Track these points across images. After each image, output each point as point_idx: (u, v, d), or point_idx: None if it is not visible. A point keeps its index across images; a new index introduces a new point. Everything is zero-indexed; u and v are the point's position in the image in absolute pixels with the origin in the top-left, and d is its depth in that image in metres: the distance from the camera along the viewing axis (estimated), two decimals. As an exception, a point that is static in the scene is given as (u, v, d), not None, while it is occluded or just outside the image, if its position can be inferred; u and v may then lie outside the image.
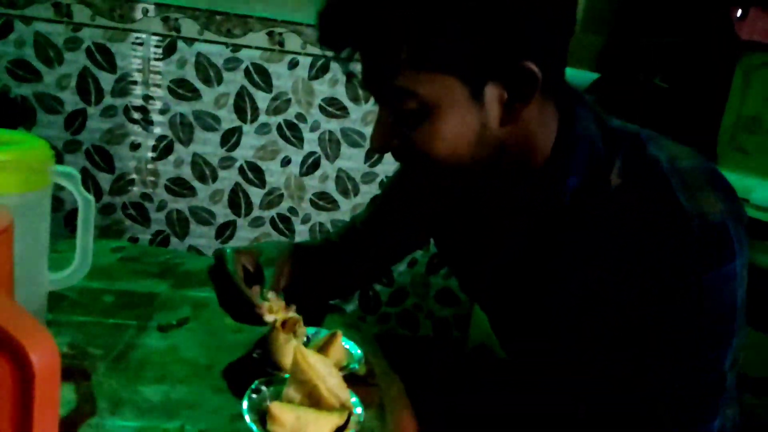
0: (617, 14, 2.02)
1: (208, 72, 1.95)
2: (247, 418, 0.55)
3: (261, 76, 1.98)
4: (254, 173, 2.06)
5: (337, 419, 0.56)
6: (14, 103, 1.89)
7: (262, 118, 2.01)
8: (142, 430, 0.58)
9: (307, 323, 0.69)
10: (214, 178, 2.05)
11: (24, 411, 0.36)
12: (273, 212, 2.11)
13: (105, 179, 2.01)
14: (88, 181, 2.00)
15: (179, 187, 2.04)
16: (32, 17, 1.84)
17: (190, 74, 1.95)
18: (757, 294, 0.66)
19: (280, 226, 2.13)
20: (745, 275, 0.59)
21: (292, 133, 2.04)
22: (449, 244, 0.83)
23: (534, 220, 0.66)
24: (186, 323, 0.80)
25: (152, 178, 2.03)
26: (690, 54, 1.73)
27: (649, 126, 0.66)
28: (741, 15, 1.68)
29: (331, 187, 2.11)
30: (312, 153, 2.07)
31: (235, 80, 1.97)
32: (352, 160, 2.09)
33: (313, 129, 2.04)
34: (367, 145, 2.08)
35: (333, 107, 2.03)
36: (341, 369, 0.67)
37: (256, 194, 2.08)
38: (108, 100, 1.94)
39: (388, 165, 2.10)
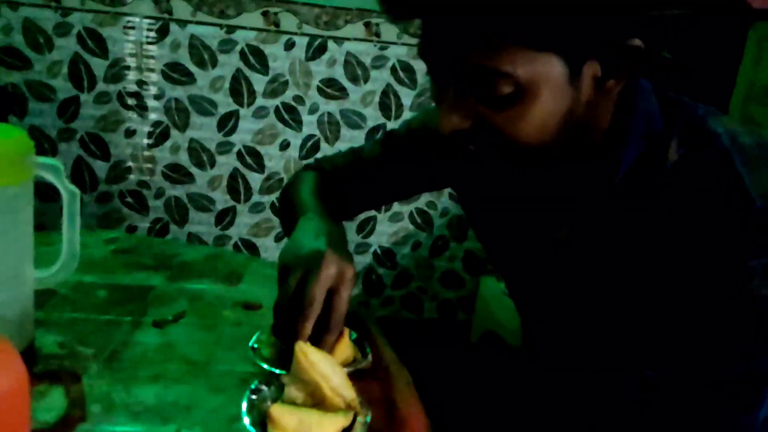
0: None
1: (202, 55, 1.90)
2: (246, 420, 0.52)
3: (257, 58, 1.92)
4: (253, 158, 2.02)
5: (342, 420, 0.53)
6: (4, 91, 1.85)
7: (260, 101, 1.96)
8: (136, 436, 0.55)
9: None
10: (212, 164, 2.01)
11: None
12: (273, 197, 2.07)
13: (101, 167, 1.97)
14: (84, 170, 1.96)
15: (177, 173, 2.00)
16: (19, 2, 1.79)
17: (184, 57, 1.90)
18: None
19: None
20: None
21: (290, 115, 1.99)
22: (480, 211, 0.78)
23: (585, 196, 0.63)
24: (182, 318, 0.77)
25: (149, 165, 1.99)
26: (699, 25, 1.67)
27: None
28: (752, -18, 1.61)
29: (331, 171, 2.07)
30: (311, 136, 2.02)
31: (230, 63, 1.92)
32: (353, 142, 2.04)
33: (311, 111, 2.00)
34: (367, 126, 2.03)
35: (331, 88, 1.98)
36: (349, 365, 0.64)
37: (255, 179, 2.04)
38: (101, 86, 1.90)
39: (390, 146, 2.06)
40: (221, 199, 2.05)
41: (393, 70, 1.99)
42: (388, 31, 1.95)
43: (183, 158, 1.99)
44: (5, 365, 0.33)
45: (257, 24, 1.90)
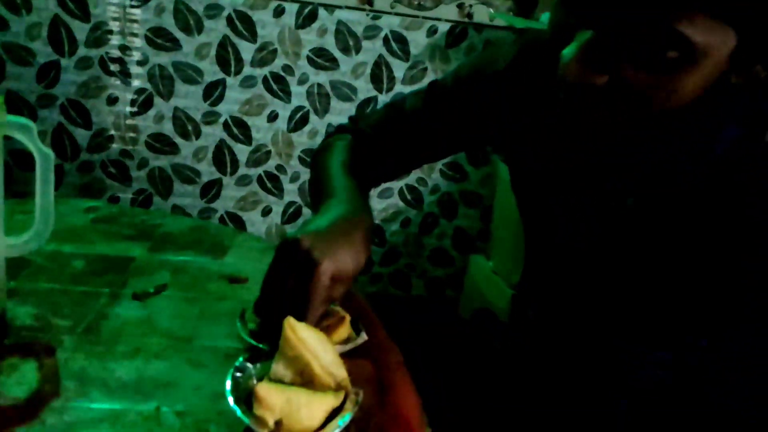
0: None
1: (187, 20, 1.83)
2: (230, 400, 0.49)
3: (244, 25, 1.86)
4: (240, 129, 1.97)
5: (332, 401, 0.50)
6: (-20, 53, 1.77)
7: (247, 70, 1.90)
8: (113, 414, 0.52)
9: None
10: (198, 135, 1.95)
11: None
12: (260, 170, 2.02)
13: (82, 135, 1.91)
14: (64, 138, 1.90)
15: (161, 143, 1.95)
16: (-5, -41, 1.71)
17: (169, 22, 1.83)
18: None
19: (268, 184, 2.04)
20: None
21: (279, 86, 1.94)
22: (530, 170, 0.73)
23: (670, 166, 0.59)
24: (164, 290, 0.73)
25: (132, 134, 1.93)
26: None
27: None
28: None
29: (320, 144, 2.02)
30: (300, 107, 1.97)
31: (216, 29, 1.85)
32: (343, 114, 2.00)
33: (301, 82, 1.94)
34: (358, 99, 1.98)
35: (322, 58, 1.93)
36: (341, 343, 0.61)
37: (241, 151, 1.99)
38: (82, 50, 1.83)
39: (380, 120, 2.02)
40: (207, 171, 2.00)
41: (385, 40, 1.94)
42: None
43: (167, 128, 1.93)
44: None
45: (246, -11, 1.83)
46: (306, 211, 2.09)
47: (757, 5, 0.47)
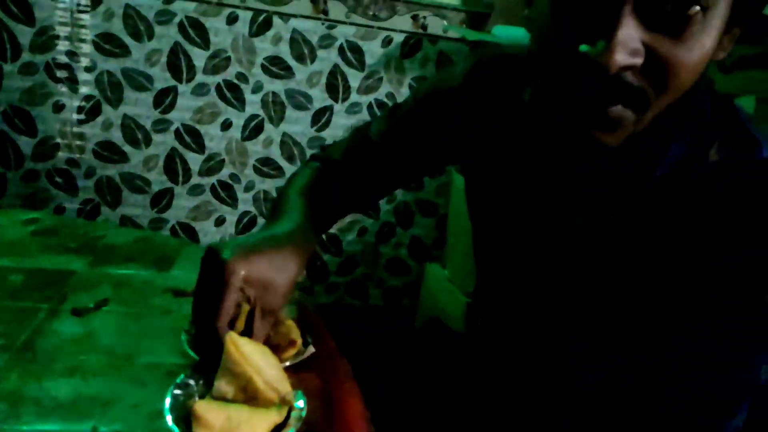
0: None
1: (137, 26, 1.80)
2: (169, 419, 0.48)
3: (197, 31, 1.83)
4: (192, 137, 1.94)
5: (275, 416, 0.49)
6: None
7: (200, 77, 1.88)
8: (45, 435, 0.50)
9: None
10: (148, 143, 1.91)
11: None
12: (213, 179, 1.99)
13: (26, 143, 1.84)
14: (7, 146, 1.83)
15: (109, 152, 1.90)
16: (-68, -41, 1.64)
17: (118, 28, 1.79)
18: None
19: (222, 194, 2.01)
20: None
21: (232, 94, 1.91)
22: (487, 186, 0.74)
23: (618, 185, 0.60)
24: (105, 305, 0.71)
25: (79, 142, 1.87)
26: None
27: None
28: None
29: (275, 153, 2.01)
30: (255, 116, 1.95)
31: (168, 35, 1.82)
32: (298, 123, 1.99)
33: (255, 90, 1.92)
34: (313, 108, 1.98)
35: (276, 67, 1.92)
36: (287, 357, 0.60)
37: (194, 160, 1.96)
38: (26, 56, 1.76)
39: (336, 129, 2.01)
40: (157, 180, 1.95)
41: (341, 50, 1.94)
42: (336, 9, 1.89)
43: (116, 135, 1.88)
44: None
45: (198, -4, 1.80)
46: (261, 221, 2.06)
47: None
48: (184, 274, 0.83)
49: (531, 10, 0.57)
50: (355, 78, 1.98)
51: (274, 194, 2.04)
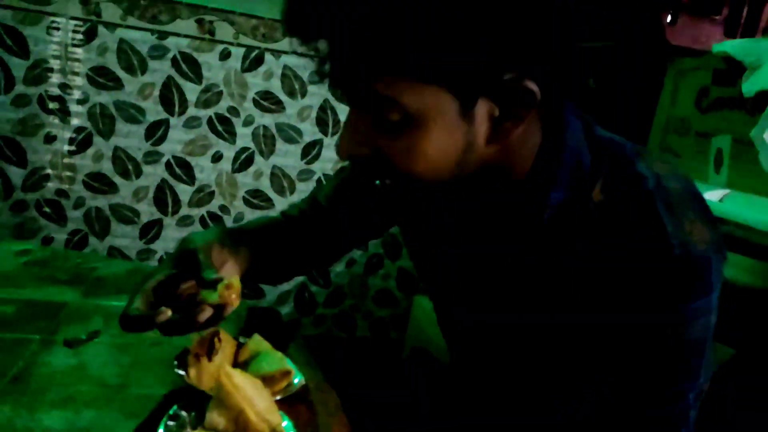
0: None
1: (131, 60, 1.83)
2: (162, 449, 0.49)
3: (190, 66, 1.87)
4: (182, 169, 1.95)
5: (265, 447, 0.50)
6: None
7: (191, 110, 1.90)
8: (38, 467, 0.51)
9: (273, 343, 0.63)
10: (138, 174, 1.93)
11: None
12: (203, 210, 2.00)
13: (16, 174, 1.85)
14: (-3, 176, 1.83)
15: (99, 182, 1.91)
16: (-72, -7, 1.67)
17: (112, 62, 1.82)
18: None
19: (211, 225, 2.02)
20: (716, 309, 0.56)
21: (224, 127, 1.94)
22: (416, 243, 0.78)
23: (511, 233, 0.62)
24: (96, 337, 0.72)
25: (69, 173, 1.88)
26: (622, 58, 1.76)
27: None
28: (671, 21, 1.72)
29: (265, 185, 2.03)
30: (245, 149, 1.98)
31: (161, 69, 1.85)
32: (288, 156, 2.02)
33: (246, 123, 1.96)
34: (303, 141, 2.01)
35: (268, 101, 1.95)
36: (281, 391, 0.61)
37: (184, 191, 1.97)
38: (20, 88, 1.79)
39: (326, 162, 2.04)
40: (147, 211, 1.96)
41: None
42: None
43: (106, 167, 1.90)
44: None
45: (191, 31, 1.84)
46: (249, 252, 2.07)
47: (447, 65, 0.49)
48: (175, 305, 0.84)
49: None
50: (345, 113, 2.01)
51: (263, 226, 2.06)
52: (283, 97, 1.96)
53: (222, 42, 1.87)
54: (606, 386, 0.58)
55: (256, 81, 1.92)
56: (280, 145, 2.00)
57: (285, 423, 0.54)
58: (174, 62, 1.85)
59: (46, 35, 1.77)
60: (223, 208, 2.02)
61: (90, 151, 1.87)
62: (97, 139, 1.87)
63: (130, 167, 1.91)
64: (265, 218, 0.85)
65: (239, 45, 1.88)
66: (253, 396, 0.52)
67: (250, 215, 2.04)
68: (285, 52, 1.92)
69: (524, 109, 0.52)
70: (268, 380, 0.60)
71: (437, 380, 0.94)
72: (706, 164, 1.40)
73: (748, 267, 1.13)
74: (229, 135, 1.95)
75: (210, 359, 0.59)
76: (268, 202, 2.04)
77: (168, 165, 1.94)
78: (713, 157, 1.39)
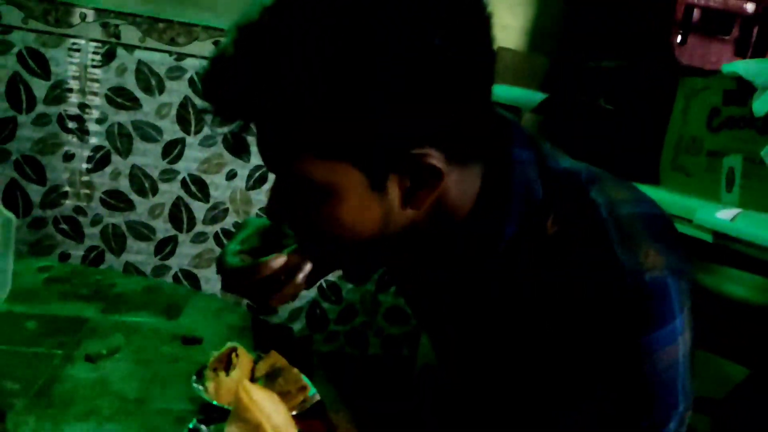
0: (563, 36, 2.07)
1: (149, 80, 1.87)
2: (183, 462, 0.50)
3: (206, 87, 1.90)
4: (197, 186, 1.98)
5: (283, 461, 0.51)
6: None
7: (207, 129, 1.94)
8: (63, 478, 0.52)
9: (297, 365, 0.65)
10: (154, 192, 1.96)
11: None
12: (217, 227, 2.03)
13: (35, 191, 1.89)
14: (17, 194, 1.87)
15: (116, 200, 1.94)
16: (-45, 17, 1.72)
17: (130, 82, 1.86)
18: (702, 315, 0.66)
19: (225, 241, 2.05)
20: (688, 333, 0.54)
21: (238, 145, 1.97)
22: (394, 275, 0.80)
23: (464, 269, 0.62)
24: (117, 352, 0.74)
25: (86, 191, 1.92)
26: (633, 77, 1.77)
27: (594, 146, 0.63)
28: (681, 41, 1.73)
29: (278, 202, 2.05)
30: (259, 167, 2.01)
31: (178, 90, 1.89)
32: (301, 174, 2.04)
33: (260, 142, 1.98)
34: (316, 159, 2.04)
35: (281, 120, 1.98)
36: (294, 405, 0.62)
37: (199, 208, 2.00)
38: (41, 107, 1.83)
39: (338, 180, 2.06)
40: (162, 228, 1.99)
41: (343, 105, 2.01)
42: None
43: (123, 184, 1.93)
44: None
45: (208, 53, 1.88)
46: (262, 269, 2.09)
47: (345, 141, 0.50)
48: (191, 322, 0.86)
49: None
50: (357, 131, 2.04)
51: (276, 243, 2.08)
52: (297, 117, 1.99)
53: (238, 63, 1.90)
54: (584, 424, 0.56)
55: (270, 100, 1.95)
56: (294, 163, 2.03)
57: (301, 438, 0.55)
58: (191, 83, 1.89)
59: (67, 57, 1.81)
60: (238, 225, 2.04)
61: (108, 169, 1.91)
62: (115, 158, 1.91)
63: (146, 185, 1.95)
64: None
65: (254, 66, 1.91)
66: (270, 411, 0.53)
67: (264, 232, 2.06)
68: (299, 73, 1.95)
69: (434, 181, 0.52)
70: (284, 395, 0.61)
71: (444, 397, 0.94)
72: (718, 183, 1.40)
73: (761, 286, 1.13)
74: (244, 153, 1.98)
75: (228, 374, 0.61)
76: (281, 220, 2.06)
77: (183, 183, 1.97)
78: (725, 177, 1.40)
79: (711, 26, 1.70)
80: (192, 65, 1.88)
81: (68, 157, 1.88)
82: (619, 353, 0.52)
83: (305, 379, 0.67)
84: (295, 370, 0.66)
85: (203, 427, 0.55)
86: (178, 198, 1.98)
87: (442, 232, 0.59)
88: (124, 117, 1.88)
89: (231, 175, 1.99)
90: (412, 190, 0.53)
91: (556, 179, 0.58)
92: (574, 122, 1.75)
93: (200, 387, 0.63)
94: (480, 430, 0.76)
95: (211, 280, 2.06)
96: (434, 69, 0.49)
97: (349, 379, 0.74)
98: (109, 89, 1.86)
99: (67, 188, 1.91)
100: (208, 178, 1.98)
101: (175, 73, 1.88)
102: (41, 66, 1.80)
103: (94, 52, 1.83)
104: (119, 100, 1.87)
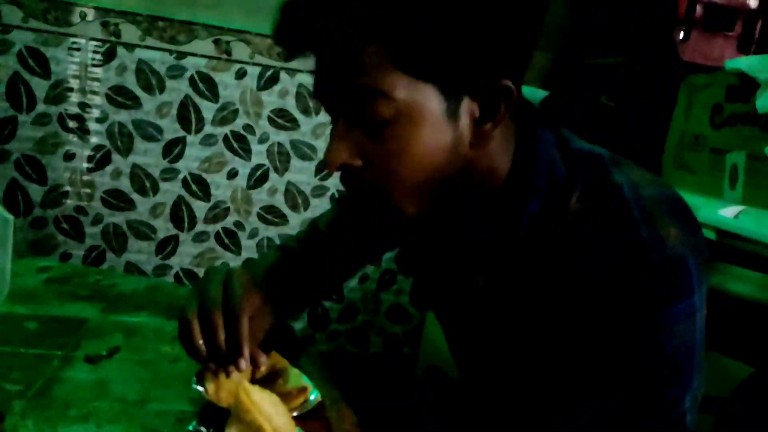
0: (565, 33, 2.06)
1: (149, 79, 1.87)
2: (183, 465, 0.50)
3: (207, 85, 1.90)
4: (198, 186, 1.98)
5: (283, 463, 0.51)
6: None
7: (208, 128, 1.93)
8: (61, 481, 0.52)
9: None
10: (155, 191, 1.95)
11: None
12: (218, 226, 2.03)
13: (36, 191, 1.88)
14: (18, 194, 1.87)
15: (117, 199, 1.94)
16: (-46, 17, 1.72)
17: (131, 81, 1.86)
18: (708, 314, 0.65)
19: (226, 240, 2.04)
20: (704, 311, 0.56)
21: (239, 144, 1.97)
22: (410, 260, 0.79)
23: (491, 243, 0.63)
24: (117, 353, 0.73)
25: (87, 190, 1.91)
26: (635, 74, 1.77)
27: (596, 143, 0.64)
28: (684, 37, 1.73)
29: (279, 201, 2.05)
30: (260, 165, 2.00)
31: (179, 89, 1.89)
32: (302, 173, 2.04)
33: (261, 141, 1.98)
34: (317, 158, 2.03)
35: (282, 119, 1.98)
36: (298, 407, 0.62)
37: (200, 208, 2.00)
38: (41, 107, 1.83)
39: (339, 179, 2.06)
40: (163, 227, 1.99)
41: (344, 103, 2.00)
42: (341, 65, 1.97)
43: (124, 184, 1.93)
44: None
45: (208, 51, 1.88)
46: (263, 268, 2.09)
47: (440, 61, 0.52)
48: (192, 322, 0.85)
49: None
50: (358, 130, 2.03)
51: (278, 242, 2.07)
52: (298, 115, 1.98)
53: (238, 61, 1.90)
54: (602, 399, 0.57)
55: (271, 99, 1.95)
56: (295, 161, 2.02)
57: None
58: (191, 81, 1.89)
59: (67, 56, 1.81)
60: (238, 224, 2.04)
61: (108, 169, 1.91)
62: (116, 157, 1.90)
63: (147, 184, 1.94)
64: (268, 255, 0.86)
65: (255, 64, 1.91)
66: (270, 412, 0.53)
67: (265, 231, 2.06)
68: (300, 71, 1.94)
69: (503, 108, 0.55)
70: (285, 396, 0.60)
71: (447, 399, 0.94)
72: (722, 180, 1.40)
73: (764, 284, 1.12)
74: (245, 152, 1.98)
75: (228, 375, 0.60)
76: (283, 218, 2.06)
77: (184, 182, 1.96)
78: (728, 174, 1.39)
79: (714, 22, 1.69)
80: (192, 64, 1.87)
81: (69, 156, 1.88)
82: (640, 326, 0.54)
83: (306, 380, 0.66)
84: (297, 371, 0.66)
85: (203, 428, 0.55)
86: (179, 197, 1.97)
87: (477, 200, 0.61)
88: (124, 116, 1.88)
89: (232, 174, 1.99)
90: (480, 122, 0.56)
91: (579, 160, 0.60)
92: (576, 119, 1.74)
93: (200, 388, 0.63)
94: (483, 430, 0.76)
95: (212, 279, 2.06)
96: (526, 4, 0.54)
97: (351, 378, 0.74)
98: (109, 88, 1.85)
99: (67, 188, 1.90)
100: (209, 177, 1.98)
101: (176, 71, 1.87)
102: (41, 65, 1.80)
103: (94, 51, 1.82)
104: (120, 99, 1.87)
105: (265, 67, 1.92)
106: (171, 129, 1.91)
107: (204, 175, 1.97)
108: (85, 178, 1.90)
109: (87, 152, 1.89)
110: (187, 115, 1.91)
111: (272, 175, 2.02)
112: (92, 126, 1.87)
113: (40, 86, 1.81)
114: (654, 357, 0.55)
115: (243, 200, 2.02)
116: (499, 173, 0.60)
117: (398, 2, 0.50)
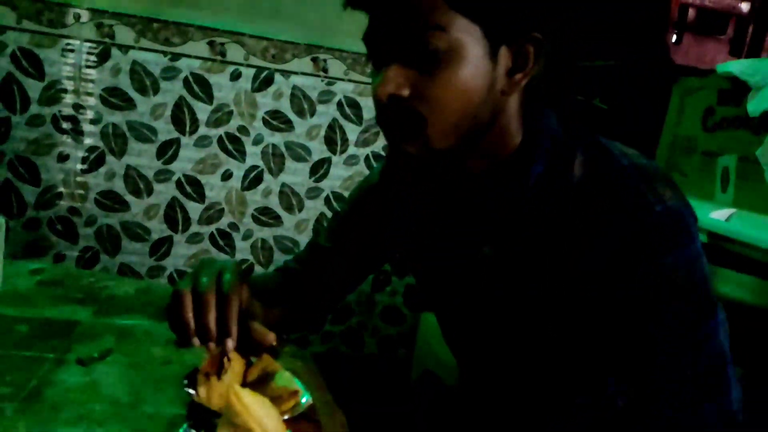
0: (558, 36, 2.07)
1: (143, 81, 1.87)
2: (173, 468, 0.50)
3: (201, 87, 1.90)
4: (193, 187, 1.98)
5: (274, 466, 0.51)
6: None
7: (202, 130, 1.93)
8: (52, 484, 0.52)
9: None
10: (149, 192, 1.95)
11: None
12: (212, 228, 2.03)
13: (30, 192, 1.88)
14: (11, 195, 1.87)
15: (111, 201, 1.93)
16: (-51, 18, 1.72)
17: (125, 83, 1.86)
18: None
19: (220, 242, 2.04)
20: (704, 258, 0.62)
21: (233, 146, 1.97)
22: (415, 254, 0.80)
23: (499, 210, 0.67)
24: (108, 355, 0.73)
25: (81, 192, 1.91)
26: (627, 76, 1.77)
27: None
28: (676, 40, 1.74)
29: (274, 203, 2.05)
30: (255, 167, 2.01)
31: (173, 90, 1.89)
32: (297, 174, 2.04)
33: (256, 142, 1.98)
34: (312, 159, 2.03)
35: (277, 120, 1.98)
36: (289, 410, 0.62)
37: (194, 209, 2.00)
38: (35, 108, 1.82)
39: (334, 180, 2.06)
40: (157, 228, 1.99)
41: (339, 105, 2.01)
42: (336, 67, 1.97)
43: (118, 185, 1.93)
44: None
45: (203, 53, 1.88)
46: (259, 269, 2.09)
47: (501, 6, 0.59)
48: (185, 324, 0.85)
49: None
50: (353, 132, 2.04)
51: (272, 243, 2.08)
52: (292, 117, 1.99)
53: (233, 63, 1.90)
54: (627, 351, 0.61)
55: (265, 101, 1.95)
56: (289, 163, 2.02)
57: (293, 442, 0.55)
58: (186, 83, 1.89)
59: (61, 57, 1.81)
60: (233, 226, 2.04)
61: (102, 170, 1.90)
62: (110, 158, 1.90)
63: (141, 186, 1.94)
64: (266, 276, 0.88)
65: (249, 66, 1.91)
66: (261, 415, 0.53)
67: (259, 232, 2.06)
68: (294, 73, 1.95)
69: (534, 59, 0.61)
70: (276, 399, 0.61)
71: (441, 406, 0.94)
72: (713, 183, 1.41)
73: (755, 287, 1.13)
74: (239, 153, 1.98)
75: (219, 378, 0.60)
76: (277, 220, 2.06)
77: (179, 183, 1.96)
78: (719, 177, 1.40)
79: (706, 26, 1.71)
80: (187, 65, 1.87)
81: (63, 157, 1.88)
82: (657, 271, 0.58)
83: (297, 383, 0.66)
84: (288, 374, 0.66)
85: (194, 431, 0.55)
86: (173, 198, 1.97)
87: (488, 166, 0.66)
88: (118, 117, 1.88)
89: (226, 176, 1.99)
90: (512, 71, 0.61)
91: (576, 131, 0.66)
92: (569, 121, 1.74)
93: (191, 390, 0.63)
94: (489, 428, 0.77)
95: (206, 281, 2.06)
96: None
97: (344, 380, 0.74)
98: (103, 90, 1.85)
99: (61, 189, 1.90)
100: (203, 179, 1.98)
101: (170, 73, 1.87)
102: (35, 66, 1.80)
103: (88, 53, 1.82)
104: (114, 100, 1.86)
105: (260, 69, 1.92)
106: (165, 130, 1.91)
107: (198, 177, 1.97)
108: (79, 179, 1.90)
109: (81, 153, 1.88)
110: (181, 116, 1.91)
111: (267, 176, 2.02)
112: (86, 127, 1.87)
113: (34, 87, 1.81)
114: (679, 295, 0.59)
115: (237, 202, 2.02)
116: (511, 140, 0.65)
117: None
